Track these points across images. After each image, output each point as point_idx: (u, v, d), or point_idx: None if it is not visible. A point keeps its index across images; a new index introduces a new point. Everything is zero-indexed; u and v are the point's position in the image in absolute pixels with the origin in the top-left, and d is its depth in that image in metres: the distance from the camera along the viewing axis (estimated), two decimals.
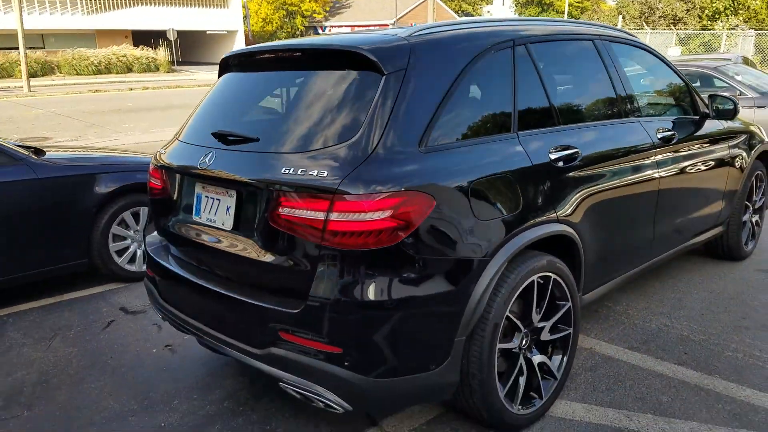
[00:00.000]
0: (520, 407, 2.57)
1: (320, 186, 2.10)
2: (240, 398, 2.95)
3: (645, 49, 3.69)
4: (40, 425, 2.78)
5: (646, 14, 30.66)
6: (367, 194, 2.06)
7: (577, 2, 48.19)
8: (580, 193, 2.77)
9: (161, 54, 32.74)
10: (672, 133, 3.46)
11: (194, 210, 2.65)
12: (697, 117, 3.84)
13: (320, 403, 2.25)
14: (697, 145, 3.73)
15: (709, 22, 28.27)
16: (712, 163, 3.88)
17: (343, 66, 2.40)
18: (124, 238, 4.57)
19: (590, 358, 3.23)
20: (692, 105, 3.85)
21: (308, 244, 2.15)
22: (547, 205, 2.58)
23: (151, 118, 14.74)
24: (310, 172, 2.14)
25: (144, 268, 4.55)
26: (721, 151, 3.98)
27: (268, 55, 2.77)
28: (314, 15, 50.20)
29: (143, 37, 34.98)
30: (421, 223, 2.14)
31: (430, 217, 2.16)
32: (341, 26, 51.48)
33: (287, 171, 2.19)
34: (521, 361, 2.57)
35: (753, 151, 4.36)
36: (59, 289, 4.42)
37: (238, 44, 43.17)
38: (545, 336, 2.68)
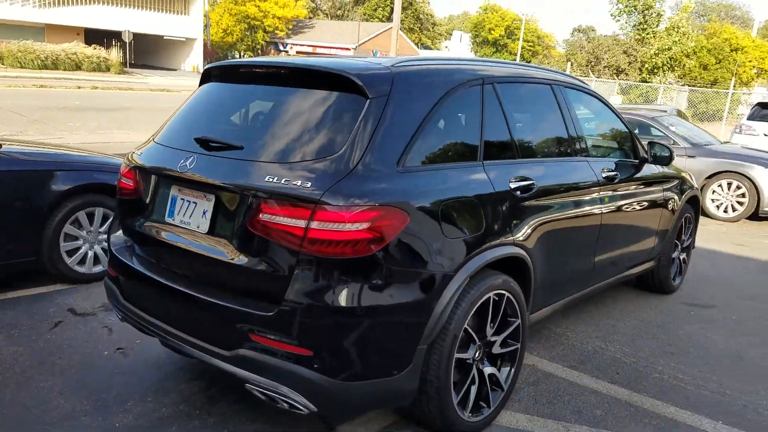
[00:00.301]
0: (470, 415, 2.73)
1: (303, 196, 2.22)
2: (196, 402, 2.99)
3: (595, 97, 4.02)
4: None
5: (593, 63, 32.44)
6: (347, 206, 2.20)
7: (530, 46, 50.34)
8: (534, 220, 3.00)
9: (114, 55, 31.80)
10: (615, 173, 3.78)
11: (167, 212, 2.71)
12: (637, 161, 4.19)
13: (285, 404, 2.33)
14: (636, 186, 4.07)
15: (648, 75, 30.19)
16: (648, 203, 4.23)
17: (329, 87, 2.55)
18: (76, 238, 4.49)
19: (533, 374, 3.44)
20: (633, 149, 4.21)
21: (286, 251, 2.26)
22: (505, 229, 2.79)
23: (100, 119, 14.34)
24: (294, 182, 2.26)
25: (94, 270, 4.53)
26: (656, 193, 4.36)
27: (254, 70, 2.88)
28: (276, 31, 50.19)
29: (96, 36, 33.93)
30: (395, 237, 2.29)
31: (404, 232, 2.32)
32: (303, 45, 51.68)
33: (271, 180, 2.31)
34: (474, 371, 2.74)
35: (684, 195, 4.77)
36: (2, 286, 4.30)
37: (196, 52, 42.57)
38: (496, 349, 2.87)
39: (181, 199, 2.65)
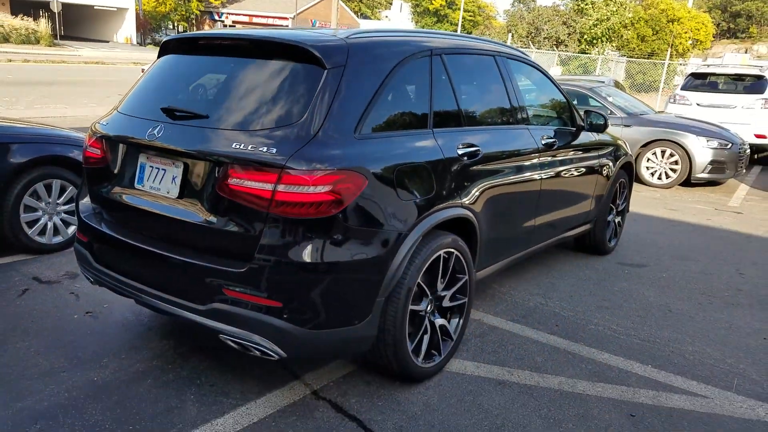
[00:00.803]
0: (423, 361, 3.02)
1: (269, 161, 2.42)
2: (168, 357, 3.18)
3: (535, 67, 4.31)
4: None
5: (533, 34, 33.01)
6: (310, 170, 2.41)
7: (470, 17, 50.56)
8: (479, 184, 3.28)
9: (42, 26, 30.49)
10: (553, 140, 4.09)
11: (136, 179, 2.86)
12: (574, 129, 4.52)
13: (257, 352, 2.56)
14: (573, 153, 4.41)
15: (587, 47, 30.96)
16: (584, 169, 4.59)
17: (288, 58, 2.73)
18: (35, 210, 4.55)
19: (479, 327, 3.77)
20: (571, 118, 4.53)
21: (255, 212, 2.46)
22: (453, 192, 3.06)
23: (35, 93, 13.94)
24: (260, 149, 2.45)
25: (54, 240, 4.61)
26: (592, 159, 4.71)
27: (213, 42, 3.03)
28: (211, 0, 48.86)
29: (22, 6, 32.42)
30: (354, 200, 2.52)
31: (362, 195, 2.55)
32: (239, 14, 50.54)
33: (238, 146, 2.49)
34: (426, 322, 3.03)
35: (618, 161, 5.15)
36: None
37: (129, 23, 41.14)
38: (446, 303, 3.16)
39: (150, 166, 2.80)
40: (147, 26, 45.26)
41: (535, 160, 3.86)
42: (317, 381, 3.03)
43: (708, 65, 15.87)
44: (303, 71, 2.68)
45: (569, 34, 31.96)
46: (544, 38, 32.78)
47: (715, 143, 8.56)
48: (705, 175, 8.65)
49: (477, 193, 3.25)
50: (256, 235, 2.47)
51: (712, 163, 8.57)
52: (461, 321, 3.28)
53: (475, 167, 3.24)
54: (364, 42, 2.87)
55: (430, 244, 2.90)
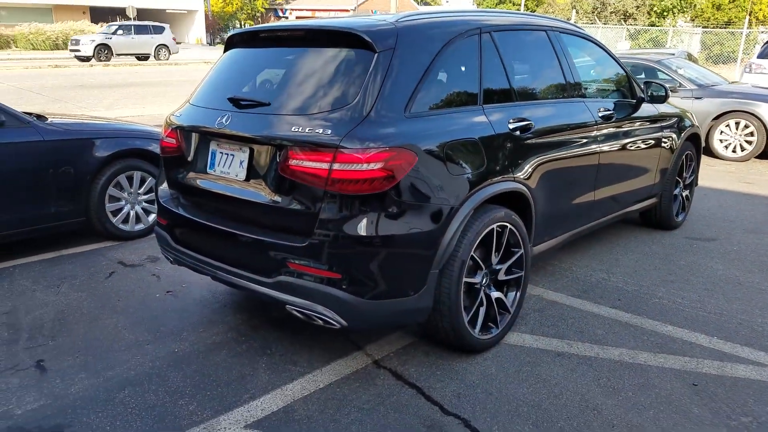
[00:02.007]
0: (480, 333, 3.11)
1: (324, 142, 2.57)
2: (241, 330, 3.42)
3: (591, 41, 4.26)
4: (65, 351, 3.18)
5: (599, 9, 31.79)
6: (363, 149, 2.55)
7: None
8: (533, 158, 3.32)
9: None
10: (611, 112, 4.05)
11: (208, 164, 3.08)
12: (634, 101, 4.44)
13: (320, 321, 2.74)
14: (632, 125, 4.34)
15: (657, 19, 29.55)
16: (645, 141, 4.50)
17: (340, 44, 2.87)
18: (119, 200, 4.93)
19: (538, 302, 3.81)
20: (630, 90, 4.45)
21: (313, 190, 2.62)
22: (505, 167, 3.11)
23: (115, 95, 14.82)
24: (317, 131, 2.61)
25: (136, 228, 4.97)
26: (654, 131, 4.62)
27: (271, 34, 3.21)
28: None
29: (101, 14, 34.32)
30: (406, 175, 2.64)
31: (413, 170, 2.66)
32: (302, 9, 51.37)
33: (297, 129, 2.66)
34: (482, 295, 3.11)
35: (683, 133, 5.01)
36: (58, 245, 4.77)
37: (198, 24, 42.73)
38: (502, 276, 3.23)
39: (220, 152, 3.02)
40: (216, 26, 46.92)
41: (592, 133, 3.84)
42: (378, 352, 3.18)
43: None
44: (355, 56, 2.81)
45: (638, 7, 30.58)
46: (611, 12, 31.52)
47: None
48: None
49: (531, 167, 3.29)
50: (315, 211, 2.63)
51: None
52: (518, 294, 3.34)
53: (528, 141, 3.28)
54: (413, 24, 2.97)
55: (482, 218, 2.97)
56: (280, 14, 52.08)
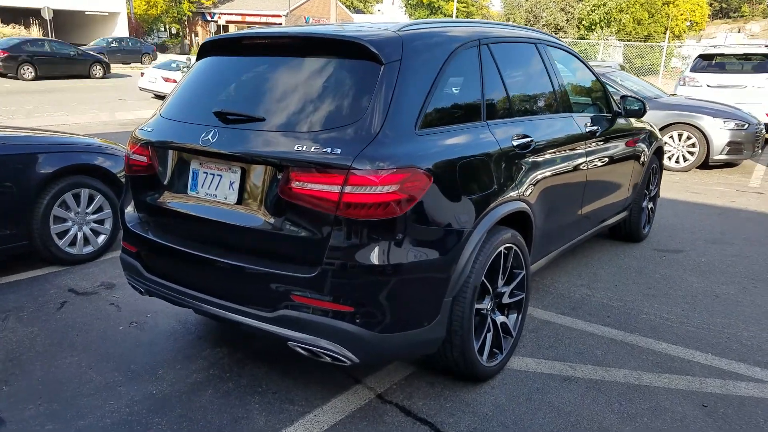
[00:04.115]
0: (487, 360, 2.95)
1: (335, 163, 2.34)
2: (224, 366, 3.11)
3: (571, 53, 4.22)
4: (24, 398, 2.78)
5: (531, 22, 32.84)
6: (377, 170, 2.33)
7: (464, 7, 50.21)
8: (533, 175, 3.20)
9: (35, 33, 30.26)
10: (596, 127, 4.01)
11: (189, 185, 2.77)
12: (610, 115, 4.44)
13: (327, 358, 2.49)
14: (613, 140, 4.33)
15: (586, 32, 30.82)
16: (623, 155, 4.51)
17: (342, 55, 2.64)
18: (65, 220, 4.47)
19: (531, 322, 3.70)
20: (607, 104, 4.45)
21: (321, 215, 2.38)
22: (511, 185, 2.98)
23: (34, 102, 13.84)
24: (324, 150, 2.37)
25: (85, 250, 4.52)
26: (635, 146, 4.64)
27: (258, 41, 2.93)
28: (202, 1, 48.61)
29: (13, 15, 32.12)
30: (422, 197, 2.44)
31: (428, 192, 2.47)
32: (231, 14, 50.25)
33: (300, 148, 2.41)
34: (488, 321, 2.96)
35: (651, 147, 5.07)
36: None
37: (120, 27, 40.87)
38: (506, 299, 3.08)
39: (204, 172, 2.72)
40: (139, 30, 45.05)
41: (581, 149, 3.78)
42: (380, 384, 2.96)
43: (715, 46, 15.79)
44: (359, 68, 2.59)
45: (567, 21, 31.79)
46: (543, 25, 32.61)
47: (731, 124, 8.48)
48: (723, 157, 8.59)
49: (531, 185, 3.17)
50: (323, 238, 2.39)
51: (729, 144, 8.50)
52: (520, 317, 3.21)
53: (528, 158, 3.16)
54: (417, 34, 2.78)
55: (492, 240, 2.82)
56: (209, 18, 50.57)
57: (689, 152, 8.71)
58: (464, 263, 2.64)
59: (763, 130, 9.14)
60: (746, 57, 11.30)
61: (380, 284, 2.40)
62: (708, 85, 10.90)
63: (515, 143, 3.05)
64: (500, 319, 3.06)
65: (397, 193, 2.36)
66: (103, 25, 40.38)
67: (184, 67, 15.37)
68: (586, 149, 3.85)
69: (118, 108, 15.14)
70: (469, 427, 2.65)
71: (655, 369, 3.20)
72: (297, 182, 2.41)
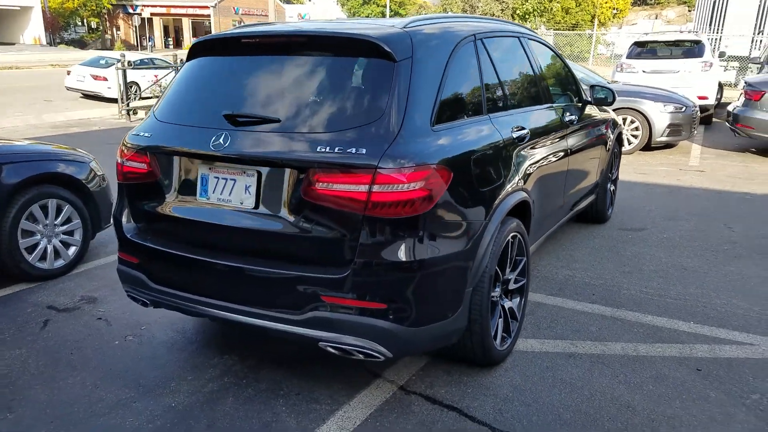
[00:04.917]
0: (499, 345, 3.05)
1: (360, 163, 2.35)
2: (237, 372, 3.07)
3: (543, 44, 4.36)
4: (34, 425, 2.65)
5: (468, 12, 33.36)
6: (403, 168, 2.36)
7: None
8: (529, 165, 3.31)
9: None
10: (573, 117, 4.19)
11: (199, 191, 2.72)
12: (581, 104, 4.63)
13: (360, 355, 2.51)
14: (586, 127, 4.52)
15: (520, 22, 31.67)
16: (594, 142, 4.72)
17: (352, 53, 2.65)
18: (33, 234, 4.25)
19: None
20: (577, 93, 4.64)
21: (349, 216, 2.39)
22: (515, 176, 3.08)
23: None
24: (348, 150, 2.38)
25: (56, 264, 4.32)
26: (599, 132, 4.86)
27: (260, 40, 2.88)
28: None
29: None
30: (444, 193, 2.49)
31: (450, 187, 2.52)
32: (155, 5, 48.42)
33: (322, 149, 2.40)
34: (498, 307, 3.06)
35: (614, 133, 5.33)
36: None
37: (35, 21, 38.71)
38: (511, 286, 3.20)
39: (215, 177, 2.67)
40: (56, 25, 42.73)
41: (563, 138, 3.94)
42: (399, 377, 3.01)
43: (646, 34, 16.58)
44: (371, 66, 2.61)
45: (503, 10, 32.49)
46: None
47: (671, 107, 8.98)
48: (664, 139, 9.09)
49: (528, 174, 3.29)
50: (352, 238, 2.40)
51: (669, 126, 9.00)
52: (523, 301, 3.33)
53: (524, 149, 3.27)
54: (423, 30, 2.82)
55: (503, 230, 2.91)
56: (130, 11, 48.43)
57: (633, 135, 9.16)
58: (482, 254, 2.72)
59: (698, 112, 9.72)
60: (677, 43, 11.96)
61: (410, 280, 2.44)
62: (644, 71, 11.45)
63: (515, 135, 3.15)
64: (507, 304, 3.16)
65: (422, 190, 2.40)
66: (15, 19, 38.07)
67: (115, 64, 14.69)
68: (567, 138, 4.02)
69: (45, 109, 14.37)
70: (494, 408, 2.74)
71: (647, 340, 3.40)
72: (321, 183, 2.41)
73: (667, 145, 9.69)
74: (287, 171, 2.49)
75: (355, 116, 2.51)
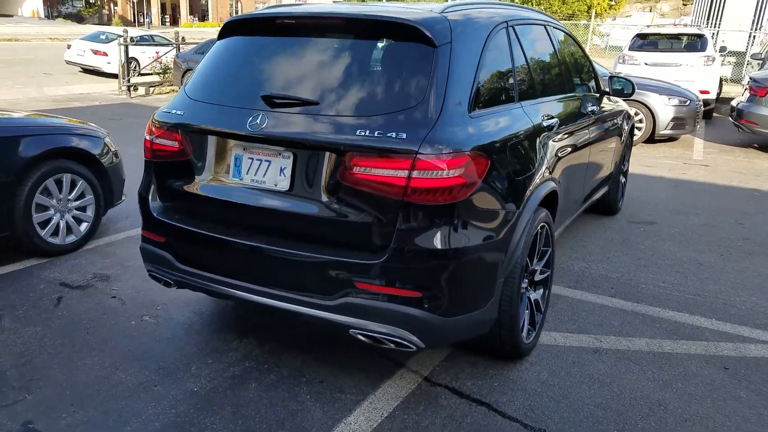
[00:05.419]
0: (525, 337, 3.02)
1: (401, 148, 2.29)
2: (258, 357, 3.02)
3: (567, 33, 4.29)
4: (54, 405, 2.59)
5: None
6: (443, 154, 2.30)
7: None
8: (557, 155, 3.26)
9: None
10: (594, 107, 4.13)
11: (231, 171, 2.65)
12: (599, 95, 4.57)
13: (391, 344, 2.46)
14: (606, 119, 4.47)
15: None
16: (612, 133, 4.68)
17: (392, 37, 2.58)
18: (47, 208, 4.16)
19: None
20: (596, 83, 4.58)
21: (387, 201, 2.33)
22: (545, 165, 3.03)
23: None
24: (388, 134, 2.31)
25: (68, 240, 4.23)
26: (616, 124, 4.81)
27: (295, 21, 2.80)
28: None
29: None
30: (482, 180, 2.44)
31: (487, 174, 2.47)
32: None
33: (362, 133, 2.34)
34: (525, 298, 3.02)
35: (628, 125, 5.29)
36: None
37: None
38: (537, 277, 3.16)
39: (249, 158, 2.60)
40: (53, 0, 42.07)
41: (585, 128, 3.89)
42: (423, 367, 2.97)
43: (648, 26, 16.50)
44: (411, 50, 2.54)
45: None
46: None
47: (675, 101, 8.95)
48: (668, 132, 9.07)
49: (556, 164, 3.24)
50: (389, 224, 2.35)
51: (674, 119, 8.98)
52: (547, 293, 3.29)
53: (553, 139, 3.22)
54: (460, 17, 2.75)
55: (533, 220, 2.87)
56: None
57: (636, 127, 9.11)
58: (515, 244, 2.68)
59: (702, 106, 9.70)
60: (679, 37, 11.89)
61: (446, 268, 2.39)
62: (645, 63, 11.40)
63: (545, 124, 3.10)
64: (533, 296, 3.12)
65: (462, 177, 2.34)
66: None
67: (116, 40, 14.46)
68: (589, 128, 3.97)
69: (45, 83, 14.13)
70: (523, 404, 2.71)
71: (671, 336, 3.38)
72: (359, 167, 2.35)
73: (670, 138, 9.67)
74: (324, 154, 2.43)
75: (394, 100, 2.44)
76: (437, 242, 2.35)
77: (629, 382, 2.92)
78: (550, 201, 3.14)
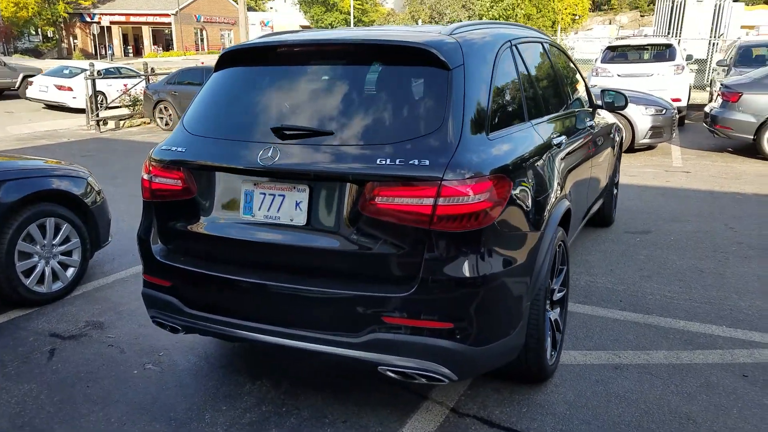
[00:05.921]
0: (549, 359, 2.95)
1: (424, 175, 2.22)
2: (275, 400, 2.88)
3: (560, 49, 4.30)
4: None
5: (436, 19, 33.50)
6: (467, 180, 2.23)
7: (358, 4, 50.14)
8: (567, 172, 3.24)
9: None
10: (591, 121, 4.13)
11: (242, 208, 2.53)
12: (592, 108, 4.59)
13: (423, 379, 2.36)
14: (602, 133, 4.48)
15: None
16: (607, 146, 4.69)
17: (402, 61, 2.52)
18: (31, 256, 3.96)
19: None
20: (588, 97, 4.60)
21: (412, 230, 2.25)
22: (560, 184, 2.99)
23: None
24: (410, 162, 2.24)
25: (54, 287, 4.04)
26: (610, 137, 4.83)
27: (299, 49, 2.72)
28: (80, 1, 45.25)
29: None
30: (507, 203, 2.38)
31: (511, 197, 2.41)
32: (114, 14, 47.20)
33: (382, 162, 2.26)
34: (548, 319, 2.95)
35: (619, 137, 5.32)
36: None
37: None
38: (556, 296, 3.10)
39: (261, 193, 2.49)
40: (9, 34, 41.29)
41: (586, 143, 3.88)
42: (447, 398, 2.87)
43: (621, 38, 16.87)
44: (425, 74, 2.48)
45: (469, 17, 32.71)
46: (447, 23, 33.42)
47: (652, 110, 9.10)
48: (646, 141, 9.20)
49: (565, 181, 3.21)
50: (416, 254, 2.26)
51: (652, 128, 9.11)
52: (565, 312, 3.23)
53: (562, 156, 3.19)
54: (470, 37, 2.71)
55: (553, 239, 2.81)
56: (88, 19, 46.95)
57: None
58: (540, 265, 2.62)
59: (677, 114, 9.88)
60: (648, 47, 12.17)
61: (476, 296, 2.31)
62: (618, 75, 11.59)
63: (554, 141, 3.07)
64: (553, 316, 3.05)
65: (487, 201, 2.28)
66: None
67: (82, 74, 14.17)
68: (590, 143, 3.96)
69: (7, 122, 13.76)
70: (554, 428, 2.63)
71: (687, 347, 3.35)
72: (382, 197, 2.26)
73: (648, 147, 9.82)
74: (343, 185, 2.34)
75: (411, 126, 2.37)
76: (466, 270, 2.27)
77: (655, 397, 2.86)
78: (565, 218, 3.09)
